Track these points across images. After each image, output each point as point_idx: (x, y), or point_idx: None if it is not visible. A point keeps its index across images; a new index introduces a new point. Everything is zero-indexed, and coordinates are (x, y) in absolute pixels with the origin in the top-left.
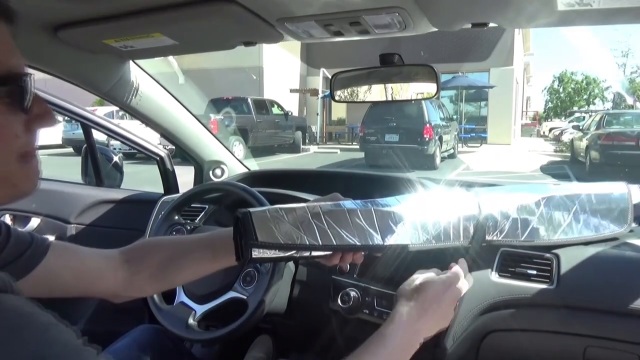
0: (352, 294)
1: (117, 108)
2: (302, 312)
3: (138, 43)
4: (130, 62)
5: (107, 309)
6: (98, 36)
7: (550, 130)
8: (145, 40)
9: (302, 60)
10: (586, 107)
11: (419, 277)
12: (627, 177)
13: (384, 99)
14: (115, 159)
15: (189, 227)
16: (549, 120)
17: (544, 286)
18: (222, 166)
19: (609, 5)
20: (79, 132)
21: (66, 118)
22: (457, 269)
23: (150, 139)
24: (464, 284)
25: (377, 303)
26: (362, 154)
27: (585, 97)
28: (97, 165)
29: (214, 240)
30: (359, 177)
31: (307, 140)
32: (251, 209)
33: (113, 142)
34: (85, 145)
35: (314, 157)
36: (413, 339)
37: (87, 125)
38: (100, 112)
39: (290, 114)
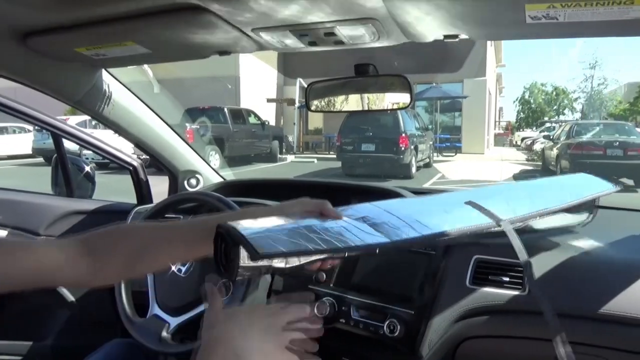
0: (328, 303)
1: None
2: None
3: (110, 51)
4: (103, 70)
5: (78, 322)
6: (69, 44)
7: (522, 139)
8: (118, 48)
9: (278, 70)
10: (556, 117)
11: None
12: None
13: (359, 108)
14: (87, 168)
15: None
16: (521, 130)
17: (516, 293)
18: (197, 176)
19: (574, 19)
20: (49, 142)
21: (36, 127)
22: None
23: (124, 149)
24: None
25: (354, 312)
26: (339, 164)
27: (555, 107)
28: (67, 175)
29: (193, 230)
30: (336, 187)
31: (284, 150)
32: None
33: (85, 151)
34: (55, 155)
35: (291, 166)
36: None
37: (57, 134)
38: (73, 121)
39: (267, 123)
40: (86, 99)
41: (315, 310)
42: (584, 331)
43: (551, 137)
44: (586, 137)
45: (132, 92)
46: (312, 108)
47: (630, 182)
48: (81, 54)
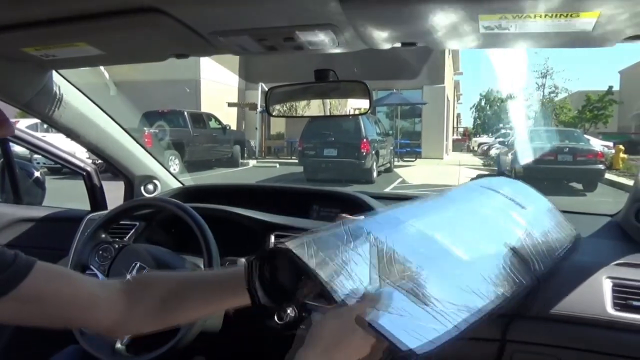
0: (289, 310)
1: None
2: (238, 330)
3: (61, 52)
4: (54, 71)
5: (26, 334)
6: (16, 44)
7: (479, 145)
8: (69, 49)
9: (239, 74)
10: (511, 124)
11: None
12: (547, 189)
13: (321, 114)
14: (37, 174)
15: (117, 246)
16: (478, 136)
17: None
18: (155, 181)
19: (524, 30)
20: None
21: None
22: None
23: (78, 153)
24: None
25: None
26: (301, 168)
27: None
28: (15, 181)
29: (230, 280)
30: (297, 192)
31: (245, 155)
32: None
33: (37, 156)
34: (2, 159)
35: (253, 171)
36: None
37: (4, 138)
38: (23, 123)
39: (228, 127)
40: (35, 101)
41: (275, 317)
42: (538, 331)
43: (506, 143)
44: (538, 143)
45: (85, 95)
46: (274, 113)
47: (579, 187)
48: (29, 54)
